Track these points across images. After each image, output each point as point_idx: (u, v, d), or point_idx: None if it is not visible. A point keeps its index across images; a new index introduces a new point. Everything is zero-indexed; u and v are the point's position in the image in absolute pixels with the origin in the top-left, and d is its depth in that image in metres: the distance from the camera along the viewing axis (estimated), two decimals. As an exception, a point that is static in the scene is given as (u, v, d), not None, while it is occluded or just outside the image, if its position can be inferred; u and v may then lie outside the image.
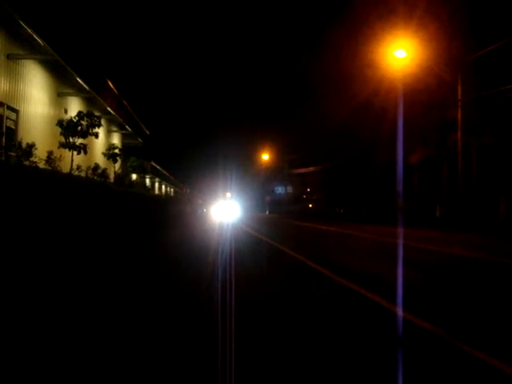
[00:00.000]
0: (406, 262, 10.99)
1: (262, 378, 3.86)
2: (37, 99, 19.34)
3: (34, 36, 16.72)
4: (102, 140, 26.79)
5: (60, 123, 18.49)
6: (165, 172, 57.68)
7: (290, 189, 74.50)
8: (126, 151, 33.51)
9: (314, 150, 52.02)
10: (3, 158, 14.58)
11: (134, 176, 36.74)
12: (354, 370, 4.21)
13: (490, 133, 27.25)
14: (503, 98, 23.95)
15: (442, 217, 30.96)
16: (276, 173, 72.18)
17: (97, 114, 20.94)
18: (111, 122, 31.34)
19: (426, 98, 27.25)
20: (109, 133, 31.52)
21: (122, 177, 27.45)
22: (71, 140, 18.39)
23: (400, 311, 6.26)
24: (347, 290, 7.81)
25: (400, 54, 25.32)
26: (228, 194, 64.07)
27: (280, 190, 77.28)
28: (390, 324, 5.85)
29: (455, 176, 27.16)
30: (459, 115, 26.40)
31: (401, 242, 16.73)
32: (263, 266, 10.17)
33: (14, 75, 17.37)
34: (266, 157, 63.38)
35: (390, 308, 6.67)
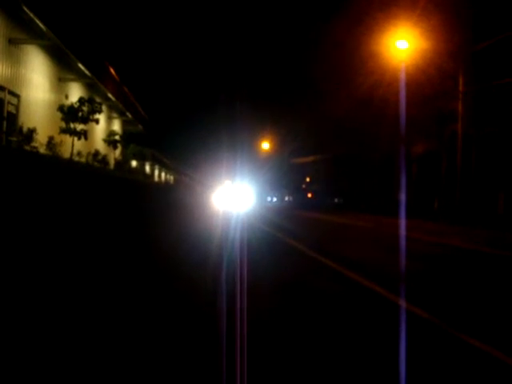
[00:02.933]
0: (406, 252, 11.09)
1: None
2: (38, 84, 19.32)
3: (36, 21, 16.68)
4: (103, 126, 26.77)
5: (61, 109, 18.48)
6: (165, 159, 57.64)
7: (290, 178, 74.42)
8: (127, 138, 33.47)
9: (314, 140, 51.91)
10: (4, 143, 14.60)
11: (134, 163, 36.74)
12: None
13: (490, 125, 27.24)
14: (505, 90, 23.95)
15: (441, 209, 31.01)
16: (276, 161, 72.03)
17: (98, 100, 20.94)
18: (112, 108, 31.31)
19: (427, 90, 27.20)
20: (109, 119, 31.50)
21: (122, 163, 27.47)
22: (72, 126, 18.39)
23: (396, 298, 6.34)
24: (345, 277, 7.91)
25: (402, 44, 25.27)
26: (228, 182, 63.97)
27: (281, 179, 77.14)
28: (388, 312, 5.93)
29: (454, 169, 27.20)
30: (460, 107, 26.41)
31: (403, 233, 16.82)
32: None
33: (15, 60, 17.34)
34: (266, 145, 63.21)
35: (387, 296, 6.74)
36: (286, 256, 10.67)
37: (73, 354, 4.19)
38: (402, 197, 23.70)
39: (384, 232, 19.45)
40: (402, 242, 13.71)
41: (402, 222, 18.35)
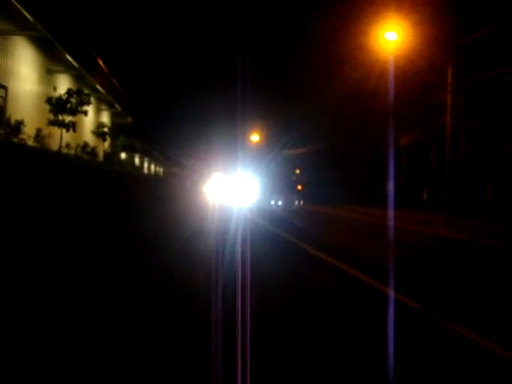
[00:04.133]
0: (395, 242, 11.18)
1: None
2: (26, 76, 19.18)
3: (24, 12, 16.53)
4: (92, 118, 26.64)
5: (49, 100, 18.38)
6: (154, 151, 57.41)
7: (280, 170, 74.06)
8: (116, 130, 33.32)
9: (304, 132, 51.84)
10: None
11: (124, 155, 36.60)
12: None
13: (479, 117, 27.34)
14: (494, 82, 24.04)
15: (430, 200, 31.13)
16: (267, 153, 71.70)
17: (86, 91, 20.81)
18: (101, 100, 31.13)
19: (416, 82, 27.25)
20: (98, 111, 31.34)
21: (112, 155, 27.39)
22: (60, 117, 18.30)
23: (386, 289, 6.39)
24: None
25: (391, 36, 25.26)
26: (222, 174, 63.80)
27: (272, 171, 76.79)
28: (377, 301, 5.98)
29: (443, 160, 27.30)
30: (449, 99, 26.48)
31: (390, 223, 16.89)
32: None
33: (2, 51, 17.20)
34: (255, 138, 63.02)
35: (376, 286, 6.80)
36: (278, 248, 10.72)
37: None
38: (391, 187, 23.78)
39: (371, 223, 19.58)
40: (388, 232, 13.79)
41: (390, 213, 18.41)
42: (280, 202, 18.13)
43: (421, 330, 4.98)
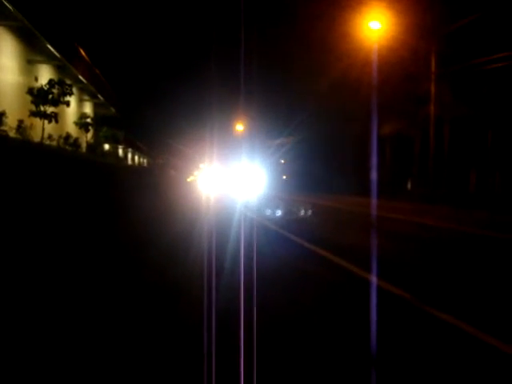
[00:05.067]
0: (380, 231, 11.21)
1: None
2: (6, 67, 18.93)
3: (3, 1, 16.29)
4: (74, 109, 26.40)
5: (30, 91, 18.15)
6: (138, 142, 57.14)
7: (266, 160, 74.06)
8: (99, 121, 33.05)
9: (286, 121, 51.80)
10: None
11: (107, 146, 36.34)
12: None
13: (463, 106, 27.46)
14: (477, 71, 24.14)
15: (414, 189, 31.31)
16: (252, 143, 71.58)
17: (68, 82, 20.59)
18: (83, 90, 30.85)
19: (400, 71, 27.33)
20: (81, 102, 31.06)
21: (95, 147, 27.19)
22: (42, 108, 18.08)
23: (370, 277, 6.40)
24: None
25: (375, 25, 25.26)
26: (202, 165, 63.68)
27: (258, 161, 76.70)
28: (360, 288, 5.98)
29: (428, 149, 27.44)
30: (432, 88, 26.58)
31: (374, 212, 16.97)
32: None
33: (-18, 41, 16.97)
34: (240, 127, 62.87)
35: (360, 274, 6.81)
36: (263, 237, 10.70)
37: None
38: (374, 176, 23.89)
39: (352, 211, 19.70)
40: (370, 220, 13.87)
41: (373, 202, 18.52)
42: (279, 212, 15.40)
43: (402, 315, 5.00)
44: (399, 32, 25.63)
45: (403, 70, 27.32)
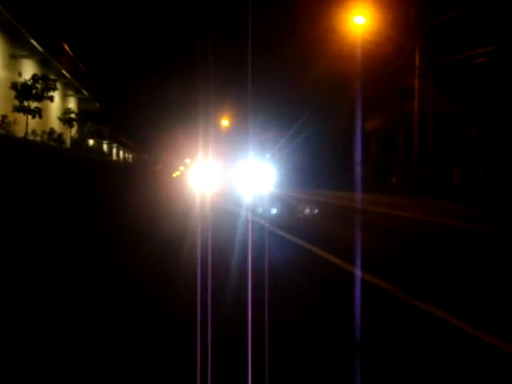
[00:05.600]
0: (364, 225, 11.29)
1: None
2: (-11, 62, 18.80)
3: (-15, -5, 16.18)
4: (58, 104, 26.22)
5: (14, 86, 18.03)
6: (123, 137, 56.88)
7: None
8: (83, 116, 32.87)
9: (271, 115, 51.78)
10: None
11: (92, 141, 36.18)
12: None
13: (446, 101, 27.58)
14: (461, 66, 24.27)
15: (399, 184, 31.45)
16: (237, 138, 71.41)
17: (52, 77, 20.47)
18: (67, 85, 30.64)
19: (385, 66, 27.39)
20: (65, 97, 30.86)
21: (79, 142, 27.06)
22: (26, 104, 17.98)
23: (353, 269, 6.47)
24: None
25: (359, 20, 25.30)
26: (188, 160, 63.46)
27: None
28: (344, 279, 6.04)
29: (412, 143, 27.56)
30: (416, 83, 26.69)
31: (359, 206, 17.07)
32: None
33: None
34: (225, 122, 62.74)
35: (344, 267, 6.87)
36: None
37: None
38: (358, 171, 23.99)
39: (337, 205, 19.87)
40: (354, 214, 13.98)
41: (358, 196, 18.64)
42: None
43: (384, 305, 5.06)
44: (383, 27, 25.69)
45: (388, 65, 27.39)
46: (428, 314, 4.82)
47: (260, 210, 14.08)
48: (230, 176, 27.80)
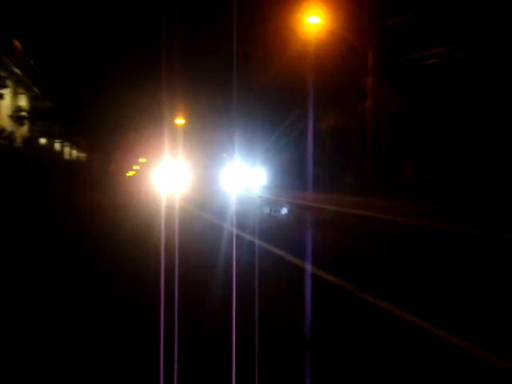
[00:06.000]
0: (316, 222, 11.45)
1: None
2: None
3: None
4: (9, 102, 25.67)
5: (-39, 83, 17.62)
6: (77, 136, 56.00)
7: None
8: (35, 114, 32.24)
9: (227, 115, 51.72)
10: None
11: (44, 140, 35.52)
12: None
13: (399, 100, 28.03)
14: (413, 67, 24.69)
15: (353, 182, 31.83)
16: (193, 137, 70.93)
17: (2, 74, 20.06)
18: (18, 83, 30.00)
19: (339, 65, 27.70)
20: (16, 95, 30.21)
21: (31, 141, 26.57)
22: (-26, 101, 17.59)
23: (305, 265, 6.58)
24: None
25: (313, 20, 25.49)
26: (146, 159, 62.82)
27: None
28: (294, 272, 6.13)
29: (365, 143, 27.95)
30: (370, 82, 27.08)
31: (312, 204, 17.29)
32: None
33: None
34: (181, 121, 62.24)
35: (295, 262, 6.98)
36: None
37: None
38: (310, 170, 24.25)
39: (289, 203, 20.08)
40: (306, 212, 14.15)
41: (308, 195, 18.89)
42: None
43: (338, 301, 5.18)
44: (338, 27, 25.96)
45: (342, 65, 27.72)
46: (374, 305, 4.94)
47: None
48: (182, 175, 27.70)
